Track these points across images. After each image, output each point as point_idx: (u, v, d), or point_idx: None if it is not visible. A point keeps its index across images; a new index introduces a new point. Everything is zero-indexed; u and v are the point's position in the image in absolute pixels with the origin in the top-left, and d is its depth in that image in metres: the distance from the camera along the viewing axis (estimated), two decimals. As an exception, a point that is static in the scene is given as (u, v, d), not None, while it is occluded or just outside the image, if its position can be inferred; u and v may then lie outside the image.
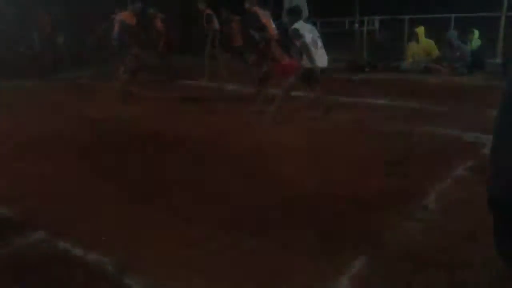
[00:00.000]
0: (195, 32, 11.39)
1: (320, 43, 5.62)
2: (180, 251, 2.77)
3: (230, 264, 2.62)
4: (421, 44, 9.56)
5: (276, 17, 8.70)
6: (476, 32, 9.36)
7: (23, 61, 10.44)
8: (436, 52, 9.48)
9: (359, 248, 2.71)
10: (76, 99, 7.71)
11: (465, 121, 5.37)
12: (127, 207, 3.47)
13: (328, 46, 11.23)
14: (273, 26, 6.64)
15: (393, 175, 3.85)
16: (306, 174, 3.95)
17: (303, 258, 2.64)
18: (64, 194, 3.77)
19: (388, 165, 4.08)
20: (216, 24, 9.31)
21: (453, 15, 10.04)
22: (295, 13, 5.83)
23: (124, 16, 7.61)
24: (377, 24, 11.34)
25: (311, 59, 5.46)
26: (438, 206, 3.29)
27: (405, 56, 9.93)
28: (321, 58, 5.61)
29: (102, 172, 4.23)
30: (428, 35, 9.58)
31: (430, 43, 9.53)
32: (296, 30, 5.51)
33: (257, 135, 5.22)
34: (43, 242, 2.96)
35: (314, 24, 11.39)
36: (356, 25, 11.70)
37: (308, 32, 5.53)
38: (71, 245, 2.88)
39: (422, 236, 2.88)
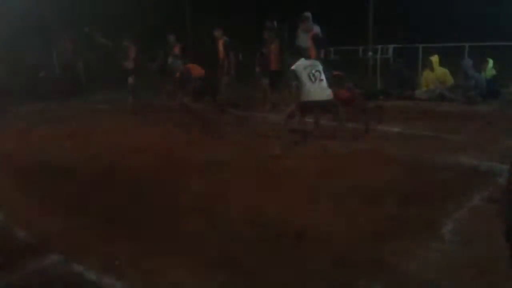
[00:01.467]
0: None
1: (319, 77, 5.89)
2: (191, 279, 2.76)
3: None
4: (436, 72, 9.56)
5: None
6: (491, 61, 9.34)
7: (44, 86, 10.70)
8: (450, 81, 9.47)
9: (373, 276, 2.67)
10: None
11: (481, 150, 5.32)
12: (141, 232, 3.49)
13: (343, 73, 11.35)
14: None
15: (408, 204, 3.81)
16: (319, 201, 3.95)
17: (317, 286, 2.62)
18: (80, 218, 3.82)
19: (403, 193, 4.05)
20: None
21: (467, 44, 10.06)
22: (296, 54, 6.36)
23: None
24: (391, 52, 11.39)
25: (304, 94, 5.85)
26: (454, 236, 3.24)
27: (420, 84, 9.92)
28: (319, 92, 5.87)
29: (120, 197, 4.29)
30: (442, 63, 9.59)
31: (445, 71, 9.53)
32: (293, 71, 5.97)
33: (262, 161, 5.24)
34: (57, 265, 2.99)
35: (327, 52, 11.58)
36: (370, 53, 11.78)
37: (303, 69, 5.88)
38: (85, 269, 2.90)
39: (438, 266, 2.84)
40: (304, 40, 10.65)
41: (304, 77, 5.83)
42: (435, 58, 9.59)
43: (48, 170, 5.19)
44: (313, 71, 5.87)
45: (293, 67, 5.98)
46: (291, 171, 4.87)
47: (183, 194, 4.26)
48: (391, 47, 11.49)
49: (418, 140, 6.05)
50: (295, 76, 5.92)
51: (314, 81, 5.83)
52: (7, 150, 6.13)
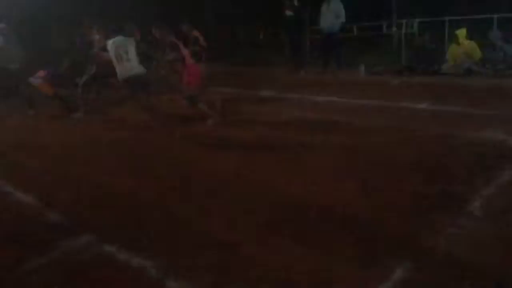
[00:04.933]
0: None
1: (126, 56, 6.09)
2: (219, 256, 2.82)
3: (269, 269, 2.64)
4: (463, 46, 9.30)
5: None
6: (520, 32, 9.04)
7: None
8: (478, 54, 9.20)
9: (401, 255, 2.67)
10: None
11: (509, 125, 5.19)
12: (170, 210, 3.56)
13: (365, 50, 11.22)
14: None
15: (435, 181, 3.77)
16: (344, 178, 3.94)
17: (343, 265, 2.63)
18: (110, 199, 3.92)
19: (430, 170, 4.01)
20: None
21: (495, 16, 9.72)
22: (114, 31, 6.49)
23: None
24: (416, 27, 11.11)
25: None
26: (483, 212, 3.19)
27: (446, 58, 9.67)
28: (125, 71, 6.14)
29: (149, 179, 4.36)
30: (469, 36, 9.31)
31: (472, 44, 9.25)
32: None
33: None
34: (90, 246, 3.08)
35: (348, 29, 11.40)
36: (394, 28, 11.53)
37: (115, 47, 6.13)
38: (116, 250, 2.98)
39: (467, 244, 2.81)
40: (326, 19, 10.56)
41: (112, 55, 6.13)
42: (461, 32, 9.31)
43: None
44: (122, 51, 6.09)
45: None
46: (315, 148, 4.86)
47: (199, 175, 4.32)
48: (416, 21, 11.21)
49: (444, 116, 5.94)
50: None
51: (122, 60, 6.09)
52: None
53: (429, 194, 3.52)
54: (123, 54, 6.13)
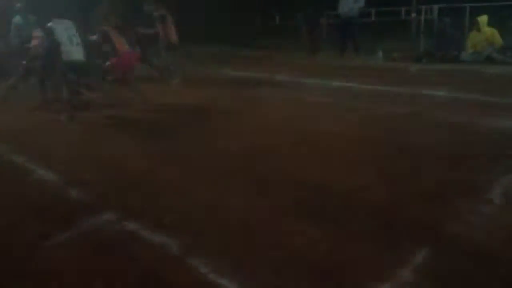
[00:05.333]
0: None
1: (76, 40, 6.15)
2: (243, 235, 2.85)
3: (290, 251, 2.67)
4: (483, 33, 9.14)
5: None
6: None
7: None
8: (499, 41, 9.05)
9: (421, 240, 2.68)
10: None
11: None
12: (193, 190, 3.60)
13: (383, 35, 11.10)
14: None
15: (454, 167, 3.75)
16: (365, 164, 3.94)
17: (364, 247, 2.65)
18: (132, 178, 3.97)
19: (450, 158, 3.99)
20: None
21: (517, 2, 9.53)
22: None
23: None
24: (435, 13, 10.94)
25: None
26: (503, 200, 3.18)
27: (466, 46, 9.53)
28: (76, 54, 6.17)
29: (168, 156, 4.42)
30: (491, 23, 9.14)
31: (493, 31, 9.09)
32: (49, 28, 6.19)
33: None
34: (112, 223, 3.13)
35: (366, 14, 11.27)
36: (413, 14, 11.36)
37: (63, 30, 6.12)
38: (139, 227, 3.03)
39: (487, 231, 2.80)
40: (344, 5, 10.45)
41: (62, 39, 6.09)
42: (483, 18, 9.15)
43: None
44: (71, 34, 6.14)
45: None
46: (333, 134, 4.85)
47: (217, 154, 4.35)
48: (435, 7, 11.03)
49: (464, 104, 5.89)
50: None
51: (73, 44, 6.12)
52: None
53: (449, 181, 3.51)
54: (73, 37, 6.21)
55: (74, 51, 6.16)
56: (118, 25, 7.04)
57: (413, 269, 2.41)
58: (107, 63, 6.74)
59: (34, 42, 6.88)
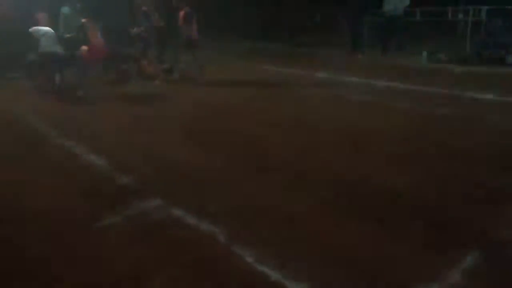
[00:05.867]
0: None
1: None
2: (284, 228, 2.88)
3: (332, 244, 2.67)
4: (534, 36, 8.81)
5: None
6: None
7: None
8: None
9: (471, 244, 2.63)
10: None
11: None
12: (239, 181, 3.67)
13: (428, 35, 10.83)
14: None
15: (501, 170, 3.66)
16: (409, 166, 3.89)
17: (408, 247, 2.63)
18: (177, 166, 4.06)
19: (496, 161, 3.89)
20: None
21: None
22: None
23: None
24: (484, 14, 10.59)
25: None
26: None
27: (515, 49, 9.20)
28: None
29: (215, 147, 4.52)
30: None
31: (545, 35, 8.76)
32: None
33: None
34: (160, 208, 3.22)
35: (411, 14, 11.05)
36: (460, 15, 11.05)
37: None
38: (184, 213, 3.11)
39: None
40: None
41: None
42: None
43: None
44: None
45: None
46: (376, 133, 4.81)
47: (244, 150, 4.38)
48: (484, 8, 10.67)
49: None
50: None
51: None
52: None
53: (496, 185, 3.43)
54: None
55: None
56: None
57: (462, 272, 2.38)
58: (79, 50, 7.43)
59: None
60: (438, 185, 3.46)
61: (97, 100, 6.98)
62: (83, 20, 7.58)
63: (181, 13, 8.22)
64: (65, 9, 9.14)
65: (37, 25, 7.62)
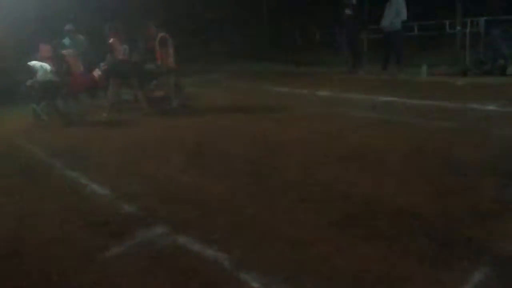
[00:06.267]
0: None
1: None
2: (291, 252, 2.85)
3: (342, 267, 2.64)
4: (534, 46, 8.83)
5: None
6: None
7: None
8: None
9: (479, 259, 2.59)
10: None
11: None
12: (243, 205, 3.64)
13: (427, 49, 10.88)
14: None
15: (508, 185, 3.62)
16: (414, 180, 3.86)
17: (418, 265, 2.59)
18: (181, 192, 4.06)
19: (503, 174, 3.85)
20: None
21: None
22: None
23: None
24: (482, 25, 10.64)
25: None
26: None
27: (514, 59, 9.20)
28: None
29: (218, 171, 4.52)
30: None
31: (545, 44, 8.77)
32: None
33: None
34: (164, 236, 3.20)
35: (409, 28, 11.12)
36: (458, 27, 11.10)
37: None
38: (190, 241, 3.09)
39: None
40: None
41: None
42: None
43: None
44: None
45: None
46: (380, 150, 4.78)
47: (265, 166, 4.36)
48: (482, 19, 10.73)
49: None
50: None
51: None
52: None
53: (504, 199, 3.38)
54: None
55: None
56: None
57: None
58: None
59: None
60: (445, 200, 3.42)
61: (95, 127, 7.03)
62: (63, 52, 8.32)
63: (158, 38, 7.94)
64: (66, 41, 9.36)
65: (40, 55, 8.08)
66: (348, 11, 10.92)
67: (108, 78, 8.17)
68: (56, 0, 11.15)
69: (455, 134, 5.21)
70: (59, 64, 8.15)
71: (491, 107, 6.27)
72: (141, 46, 8.85)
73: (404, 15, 10.35)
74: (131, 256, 2.98)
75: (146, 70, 8.29)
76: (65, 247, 3.19)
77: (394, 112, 6.58)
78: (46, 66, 7.71)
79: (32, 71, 7.61)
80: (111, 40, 7.85)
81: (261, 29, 16.26)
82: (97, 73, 8.54)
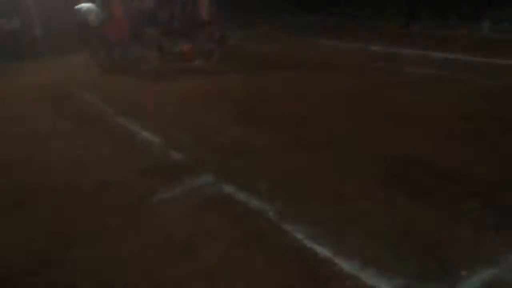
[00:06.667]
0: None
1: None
2: (336, 206, 2.86)
3: (386, 225, 2.63)
4: None
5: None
6: None
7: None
8: None
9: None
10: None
11: None
12: (290, 157, 3.67)
13: (492, 3, 10.08)
14: None
15: None
16: (471, 142, 3.71)
17: (467, 229, 2.53)
18: (229, 143, 4.12)
19: None
20: None
21: None
22: None
23: None
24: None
25: None
26: None
27: None
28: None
29: (267, 124, 4.52)
30: None
31: None
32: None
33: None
34: (210, 184, 3.30)
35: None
36: None
37: None
38: (236, 190, 3.16)
39: None
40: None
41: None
42: None
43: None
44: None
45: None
46: (435, 108, 4.61)
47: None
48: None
49: None
50: None
51: None
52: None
53: None
54: None
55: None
56: None
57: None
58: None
59: None
60: (500, 163, 3.29)
61: (148, 77, 7.16)
62: None
63: None
64: None
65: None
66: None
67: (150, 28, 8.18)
68: None
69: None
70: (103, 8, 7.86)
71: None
72: None
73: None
74: (179, 202, 3.11)
75: (190, 21, 8.25)
76: (117, 189, 3.36)
77: (451, 69, 6.26)
78: (91, 6, 7.59)
79: (81, 14, 7.53)
80: None
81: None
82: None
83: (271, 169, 3.49)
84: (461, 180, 3.07)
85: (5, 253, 2.74)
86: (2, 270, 2.57)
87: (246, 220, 2.78)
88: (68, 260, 2.57)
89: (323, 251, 2.41)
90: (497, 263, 2.22)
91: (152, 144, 4.24)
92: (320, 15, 12.88)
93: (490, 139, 3.75)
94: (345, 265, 2.29)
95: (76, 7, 7.67)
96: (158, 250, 2.58)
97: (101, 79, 7.39)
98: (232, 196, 3.11)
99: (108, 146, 4.29)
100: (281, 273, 2.29)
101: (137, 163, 3.80)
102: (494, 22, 9.33)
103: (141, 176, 3.55)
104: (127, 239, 2.71)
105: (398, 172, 3.25)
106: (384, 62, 7.03)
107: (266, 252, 2.47)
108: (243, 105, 5.32)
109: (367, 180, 3.17)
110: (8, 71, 8.54)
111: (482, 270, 2.18)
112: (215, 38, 8.07)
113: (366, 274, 2.22)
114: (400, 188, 3.01)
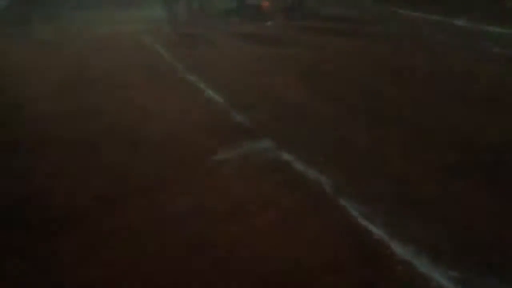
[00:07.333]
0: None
1: None
2: (396, 187, 2.75)
3: (447, 212, 2.48)
4: None
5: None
6: None
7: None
8: None
9: None
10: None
11: None
12: (355, 133, 3.55)
13: None
14: None
15: None
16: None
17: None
18: (292, 109, 4.05)
19: None
20: None
21: None
22: None
23: None
24: None
25: None
26: None
27: None
28: None
29: (333, 94, 4.40)
30: None
31: None
32: None
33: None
34: (269, 150, 3.27)
35: None
36: None
37: None
38: (294, 159, 3.11)
39: None
40: None
41: None
42: None
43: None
44: None
45: None
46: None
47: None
48: None
49: None
50: None
51: None
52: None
53: None
54: None
55: None
56: None
57: None
58: None
59: None
60: None
61: (213, 38, 7.15)
62: None
63: None
64: None
65: None
66: None
67: None
68: None
69: None
70: None
71: None
72: None
73: None
74: (238, 164, 3.11)
75: None
76: (179, 145, 3.44)
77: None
78: None
79: None
80: None
81: None
82: None
83: (332, 141, 3.39)
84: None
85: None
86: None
87: (301, 191, 2.73)
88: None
89: (378, 232, 2.33)
90: None
91: (217, 104, 4.25)
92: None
93: None
94: (399, 250, 2.20)
95: None
96: (210, 210, 2.62)
97: (175, 36, 7.48)
98: (289, 164, 3.07)
99: (174, 100, 4.40)
100: (332, 249, 2.24)
101: (200, 121, 3.86)
102: None
103: (201, 134, 3.61)
104: (179, 196, 2.77)
105: (468, 159, 3.04)
106: (468, 39, 6.52)
107: (318, 226, 2.42)
108: (309, 72, 5.17)
109: (436, 165, 2.99)
110: (91, 20, 8.82)
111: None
112: None
113: (420, 261, 2.12)
114: (474, 177, 2.82)
